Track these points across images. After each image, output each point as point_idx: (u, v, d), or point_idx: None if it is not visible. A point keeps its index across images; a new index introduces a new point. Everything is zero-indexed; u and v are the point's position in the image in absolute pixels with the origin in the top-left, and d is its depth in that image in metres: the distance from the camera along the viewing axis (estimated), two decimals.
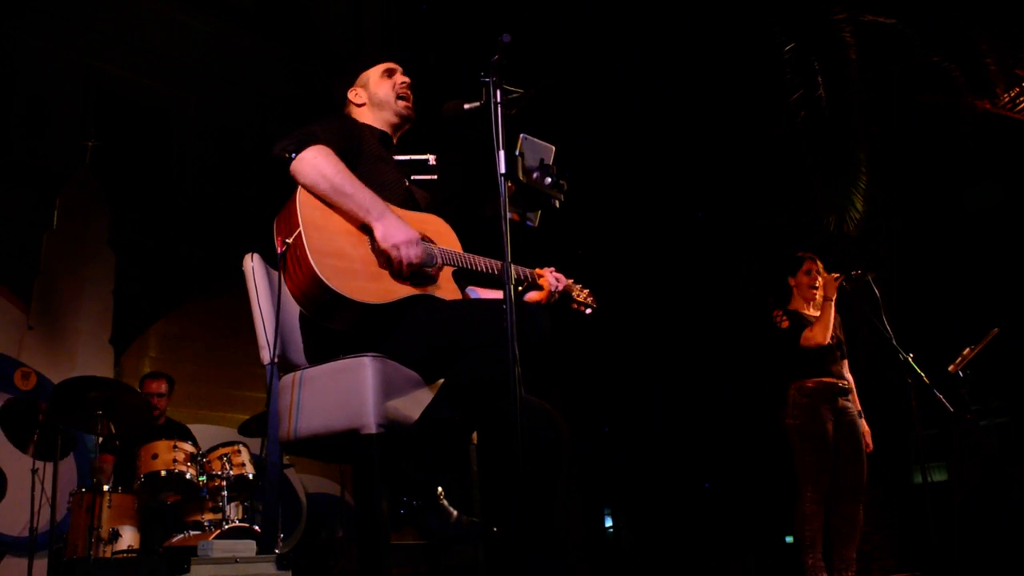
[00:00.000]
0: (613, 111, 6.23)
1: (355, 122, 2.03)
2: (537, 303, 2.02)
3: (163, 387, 4.01)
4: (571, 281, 2.14)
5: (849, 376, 3.55)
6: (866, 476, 3.44)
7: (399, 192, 1.97)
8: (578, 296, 2.14)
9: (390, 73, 2.08)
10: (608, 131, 6.24)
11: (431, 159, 2.08)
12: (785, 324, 3.49)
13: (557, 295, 2.06)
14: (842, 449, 3.41)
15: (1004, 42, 4.96)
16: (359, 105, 2.07)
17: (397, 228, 1.77)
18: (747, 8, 5.49)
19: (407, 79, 2.08)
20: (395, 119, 2.06)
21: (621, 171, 6.41)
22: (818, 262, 3.60)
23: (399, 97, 2.05)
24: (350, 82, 2.10)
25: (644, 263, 6.44)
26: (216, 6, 5.93)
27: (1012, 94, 5.00)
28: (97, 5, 5.35)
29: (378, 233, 1.77)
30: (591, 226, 6.17)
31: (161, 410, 4.00)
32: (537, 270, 2.08)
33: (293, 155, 1.77)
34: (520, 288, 2.03)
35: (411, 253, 1.77)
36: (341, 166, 1.79)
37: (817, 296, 3.55)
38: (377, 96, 2.05)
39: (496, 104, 1.64)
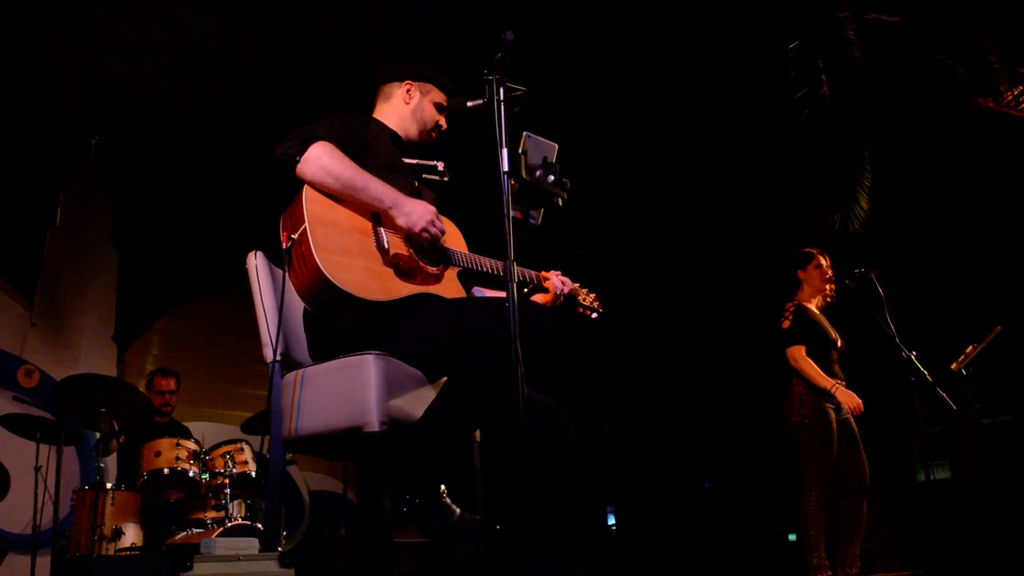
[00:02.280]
0: (613, 111, 6.23)
1: (362, 119, 2.03)
2: (542, 303, 2.02)
3: (172, 384, 4.03)
4: (577, 285, 2.14)
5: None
6: (868, 472, 3.45)
7: (407, 192, 1.96)
8: (584, 300, 2.14)
9: (440, 109, 2.08)
10: (608, 131, 6.24)
11: (440, 166, 2.09)
12: (786, 323, 3.49)
13: (562, 299, 2.07)
14: (843, 447, 3.42)
15: (1007, 40, 4.96)
16: (406, 102, 2.06)
17: (416, 210, 1.80)
18: (750, 7, 5.48)
19: (444, 124, 2.09)
20: (416, 138, 2.07)
21: (621, 171, 6.40)
22: (827, 257, 3.60)
23: (434, 129, 2.08)
24: (416, 75, 2.07)
25: (644, 263, 6.44)
26: (218, 4, 5.93)
27: (1015, 92, 5.00)
28: (98, 3, 5.36)
29: (401, 222, 1.80)
30: (591, 226, 6.17)
31: (172, 407, 4.02)
32: (543, 273, 2.08)
33: (297, 157, 1.77)
34: (525, 291, 2.04)
35: (437, 229, 1.82)
36: (347, 161, 1.79)
37: (827, 289, 3.56)
38: (423, 113, 2.06)
39: (499, 102, 1.64)
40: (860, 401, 3.32)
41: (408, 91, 2.07)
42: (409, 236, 1.86)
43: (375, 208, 1.80)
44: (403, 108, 2.07)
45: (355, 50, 6.62)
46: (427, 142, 2.09)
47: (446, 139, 2.19)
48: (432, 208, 1.83)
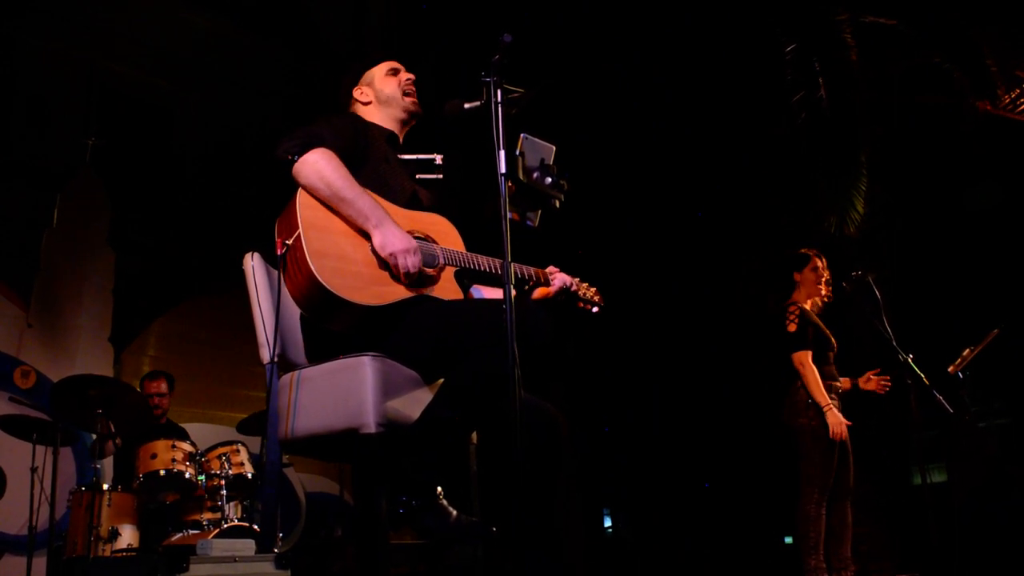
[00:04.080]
0: (613, 111, 6.23)
1: (363, 121, 2.03)
2: (539, 302, 2.01)
3: (163, 386, 4.00)
4: (577, 279, 2.14)
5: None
6: (853, 476, 3.45)
7: (404, 192, 1.96)
8: (584, 294, 2.14)
9: (395, 72, 2.10)
10: (608, 131, 6.24)
11: (438, 159, 2.09)
12: (792, 327, 3.46)
13: (564, 295, 2.06)
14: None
15: (1005, 43, 4.96)
16: (365, 103, 2.09)
17: (395, 237, 1.77)
18: (748, 9, 5.49)
19: (412, 76, 2.10)
20: (403, 115, 2.08)
21: (621, 171, 6.41)
22: (823, 259, 3.59)
23: (405, 93, 2.07)
24: (354, 81, 2.11)
25: (644, 263, 6.44)
26: (218, 5, 5.93)
27: (1013, 95, 5.01)
28: (99, 4, 5.36)
29: (376, 241, 1.78)
30: (591, 226, 6.17)
31: (164, 409, 4.00)
32: (549, 268, 2.08)
33: (295, 157, 1.76)
34: (526, 288, 2.03)
35: (408, 262, 1.77)
36: (343, 171, 1.79)
37: (823, 292, 3.54)
38: (384, 93, 2.07)
39: (497, 104, 1.64)
40: (844, 429, 3.31)
41: (361, 93, 2.09)
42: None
43: (359, 224, 1.79)
44: (371, 107, 2.08)
45: (355, 50, 6.62)
46: (413, 109, 2.08)
47: (445, 140, 2.19)
48: (414, 244, 1.79)
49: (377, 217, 1.78)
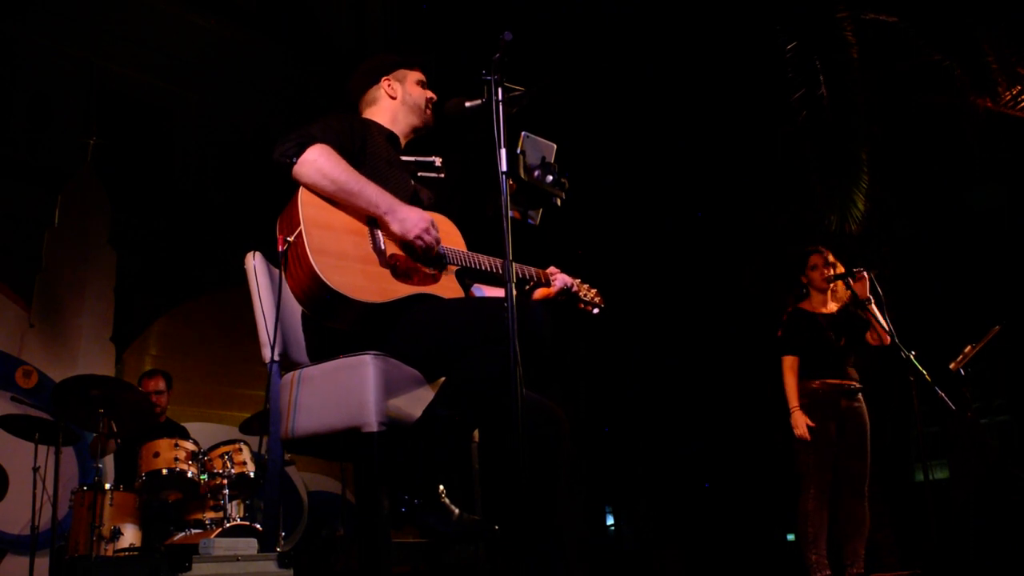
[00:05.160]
0: (613, 110, 6.23)
1: (360, 120, 2.04)
2: (539, 302, 2.02)
3: (160, 384, 4.00)
4: (578, 280, 2.14)
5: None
6: (868, 473, 3.45)
7: (405, 192, 1.97)
8: (585, 296, 2.14)
9: (423, 85, 2.13)
10: (608, 130, 6.25)
11: (437, 161, 2.10)
12: (779, 332, 3.54)
13: (564, 296, 2.07)
14: (845, 447, 3.42)
15: (1005, 40, 4.96)
16: (391, 96, 2.09)
17: (410, 219, 1.80)
18: (748, 7, 5.49)
19: (434, 96, 2.13)
20: (419, 124, 2.10)
21: (622, 171, 6.41)
22: (827, 253, 3.59)
23: (428, 107, 2.10)
24: (388, 70, 2.11)
25: (644, 263, 6.44)
26: (219, 5, 5.94)
27: (1013, 92, 5.00)
28: (99, 4, 5.36)
29: (395, 228, 1.80)
30: (591, 226, 6.18)
31: (163, 407, 4.00)
32: (549, 269, 2.08)
33: (294, 159, 1.77)
34: (527, 288, 2.04)
35: (432, 238, 1.82)
36: (343, 164, 1.79)
37: (838, 290, 3.54)
38: (412, 97, 2.09)
39: (498, 102, 1.64)
40: (805, 431, 3.37)
41: (389, 85, 2.09)
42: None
43: (370, 213, 1.81)
44: (392, 103, 2.08)
45: (356, 51, 6.62)
46: (429, 123, 2.11)
47: (445, 139, 2.19)
48: (428, 216, 1.82)
49: (386, 204, 1.80)
